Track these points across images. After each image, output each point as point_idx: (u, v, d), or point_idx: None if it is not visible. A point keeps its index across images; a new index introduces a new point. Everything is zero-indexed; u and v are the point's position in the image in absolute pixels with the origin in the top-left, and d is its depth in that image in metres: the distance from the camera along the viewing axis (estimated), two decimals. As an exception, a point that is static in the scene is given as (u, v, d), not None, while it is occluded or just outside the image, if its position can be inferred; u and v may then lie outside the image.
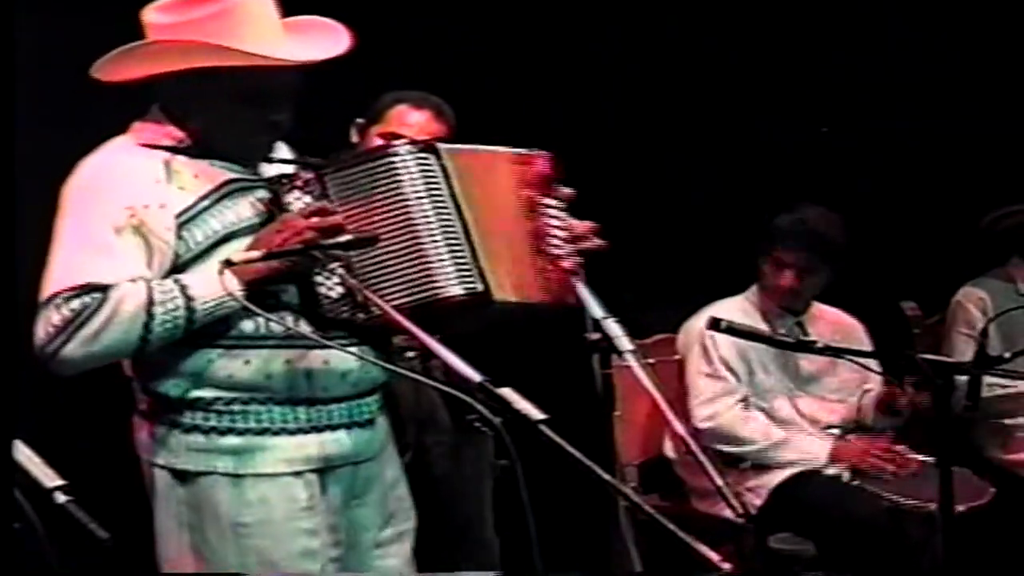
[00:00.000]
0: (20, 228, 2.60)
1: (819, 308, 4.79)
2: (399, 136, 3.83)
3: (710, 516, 4.52)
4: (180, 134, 2.99)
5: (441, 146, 3.02)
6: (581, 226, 3.13)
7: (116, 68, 2.97)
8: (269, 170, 3.04)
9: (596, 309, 3.16)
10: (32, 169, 2.82)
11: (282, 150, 3.13)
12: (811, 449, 4.63)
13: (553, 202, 3.10)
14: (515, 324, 3.17)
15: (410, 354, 3.43)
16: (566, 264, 3.07)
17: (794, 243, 4.63)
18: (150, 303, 2.86)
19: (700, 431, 4.55)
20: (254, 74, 2.90)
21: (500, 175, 3.08)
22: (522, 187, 3.08)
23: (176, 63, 2.93)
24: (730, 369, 4.65)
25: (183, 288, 2.88)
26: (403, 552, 3.16)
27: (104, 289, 2.85)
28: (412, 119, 3.91)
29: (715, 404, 4.63)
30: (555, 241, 3.07)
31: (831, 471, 4.60)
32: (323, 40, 2.99)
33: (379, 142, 3.78)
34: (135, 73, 2.97)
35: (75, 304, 2.85)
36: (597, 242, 3.12)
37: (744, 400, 4.66)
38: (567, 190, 3.13)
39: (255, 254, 2.86)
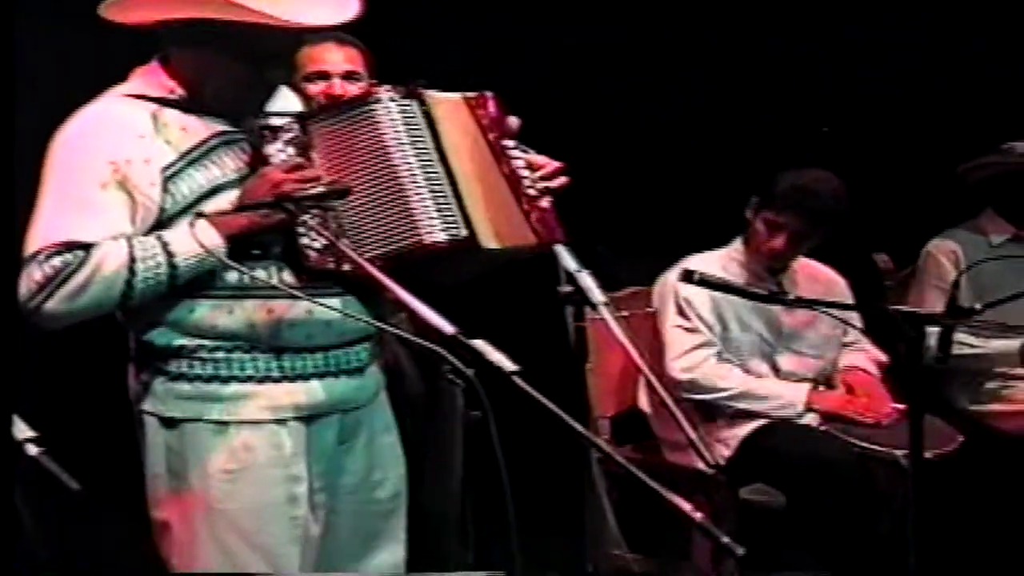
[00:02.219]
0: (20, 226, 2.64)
1: (801, 262, 4.76)
2: (327, 74, 3.85)
3: (682, 468, 4.53)
4: (172, 85, 2.98)
5: (425, 92, 3.01)
6: (543, 163, 3.12)
7: (125, 10, 2.96)
8: (257, 122, 3.03)
9: (569, 262, 3.17)
10: (31, 167, 2.88)
11: (286, 99, 3.12)
12: (789, 395, 4.65)
13: (511, 142, 3.10)
14: (501, 273, 3.16)
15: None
16: (544, 203, 3.07)
17: (792, 209, 4.55)
18: (132, 260, 2.87)
19: (677, 383, 4.56)
20: (260, 33, 2.89)
21: (466, 120, 3.07)
22: (487, 130, 3.07)
23: (187, 11, 2.92)
24: (704, 322, 4.66)
25: (164, 245, 2.89)
26: (388, 497, 3.18)
27: (86, 247, 2.86)
28: (327, 55, 3.92)
29: (692, 356, 4.63)
30: (527, 182, 3.07)
31: (801, 420, 4.62)
32: (331, 3, 2.98)
33: (309, 87, 3.80)
34: (143, 17, 2.96)
35: (56, 261, 2.85)
36: (562, 180, 3.12)
37: (719, 353, 4.67)
38: (513, 120, 3.11)
39: (227, 208, 2.88)
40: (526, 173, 3.07)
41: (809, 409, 4.63)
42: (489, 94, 3.10)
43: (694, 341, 4.64)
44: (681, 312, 4.65)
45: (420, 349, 2.53)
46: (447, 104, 3.05)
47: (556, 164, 3.12)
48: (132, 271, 2.87)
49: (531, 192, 3.06)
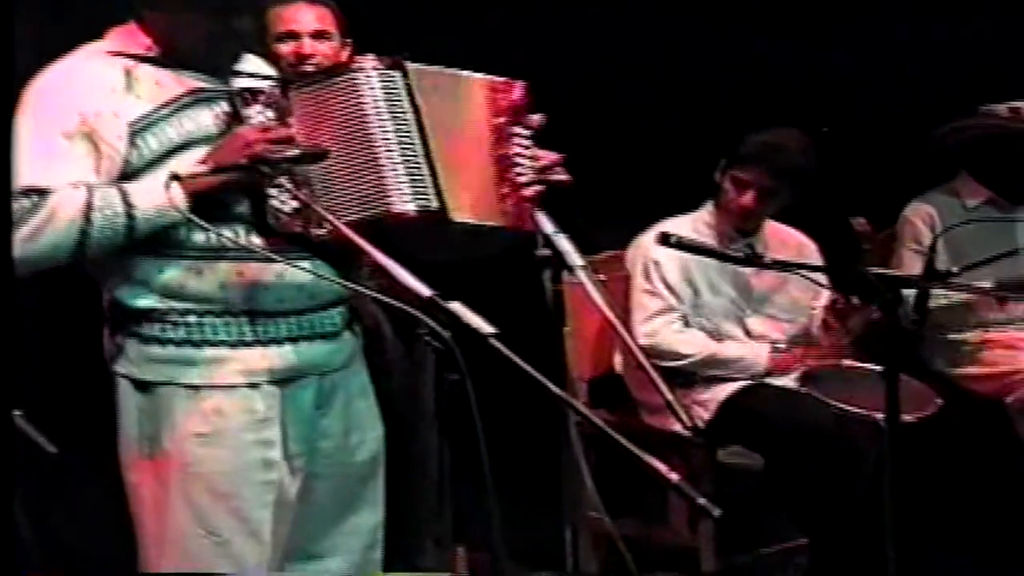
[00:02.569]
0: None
1: (772, 226, 4.79)
2: (296, 34, 3.84)
3: (659, 430, 4.55)
4: (148, 42, 2.99)
5: (409, 65, 3.01)
6: (548, 156, 3.14)
7: None
8: (241, 84, 3.03)
9: (547, 225, 3.17)
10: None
11: (255, 64, 3.12)
12: (750, 358, 4.66)
13: (523, 131, 3.12)
14: (477, 253, 3.16)
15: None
16: (528, 192, 3.08)
17: (759, 164, 4.59)
18: (88, 208, 2.86)
19: (642, 348, 4.57)
20: None
21: (472, 99, 3.09)
22: (494, 114, 3.09)
23: None
24: (670, 288, 4.67)
25: (124, 195, 2.89)
26: (366, 460, 3.18)
27: (43, 192, 2.86)
28: (297, 15, 3.91)
29: (653, 322, 4.64)
30: (520, 169, 3.08)
31: (779, 382, 4.63)
32: None
33: (280, 47, 3.79)
34: None
35: (13, 206, 2.84)
36: (562, 176, 3.14)
37: (684, 318, 4.68)
38: (537, 117, 3.14)
39: (202, 168, 2.88)
40: (525, 162, 3.09)
41: (769, 372, 4.65)
42: (519, 83, 3.14)
43: (656, 306, 4.65)
44: (647, 277, 4.67)
45: (396, 311, 2.54)
46: (445, 78, 3.06)
47: (556, 156, 3.14)
48: (88, 219, 2.86)
49: (520, 179, 3.07)
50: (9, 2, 2.56)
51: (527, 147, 3.11)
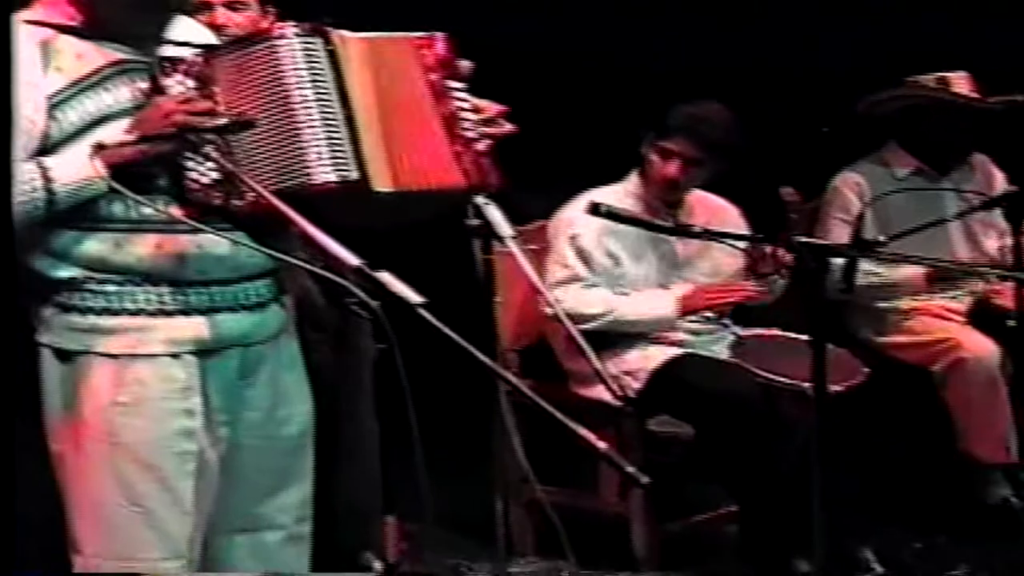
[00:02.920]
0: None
1: (695, 194, 4.80)
2: (209, 3, 3.80)
3: (590, 400, 4.56)
4: (72, 12, 2.95)
5: (332, 31, 2.98)
6: (491, 108, 3.11)
7: None
8: (163, 52, 2.99)
9: (477, 195, 3.16)
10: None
11: (185, 31, 3.08)
12: (659, 309, 4.66)
13: (458, 84, 3.07)
14: (409, 218, 3.15)
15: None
16: (480, 147, 3.05)
17: (684, 134, 4.60)
18: None
19: (546, 316, 4.57)
20: None
21: (402, 60, 3.05)
22: (427, 71, 3.05)
23: None
24: (584, 259, 4.67)
25: (44, 170, 2.86)
26: (294, 434, 3.17)
27: None
28: None
29: (558, 289, 4.64)
30: (467, 124, 3.05)
31: (707, 352, 4.65)
32: None
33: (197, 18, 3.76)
34: None
35: None
36: (507, 127, 3.11)
37: (591, 287, 4.68)
38: (466, 64, 3.10)
39: (127, 138, 2.85)
40: (469, 116, 3.06)
41: (679, 313, 4.65)
42: (439, 35, 3.09)
43: (562, 275, 4.66)
44: (561, 247, 4.67)
45: (324, 281, 2.53)
46: (369, 43, 3.03)
47: (499, 108, 3.11)
48: None
49: (469, 135, 3.05)
50: (9, 2, 2.56)
51: (465, 99, 3.08)
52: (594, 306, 4.64)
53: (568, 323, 3.37)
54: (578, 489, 4.79)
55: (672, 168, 4.64)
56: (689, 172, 4.65)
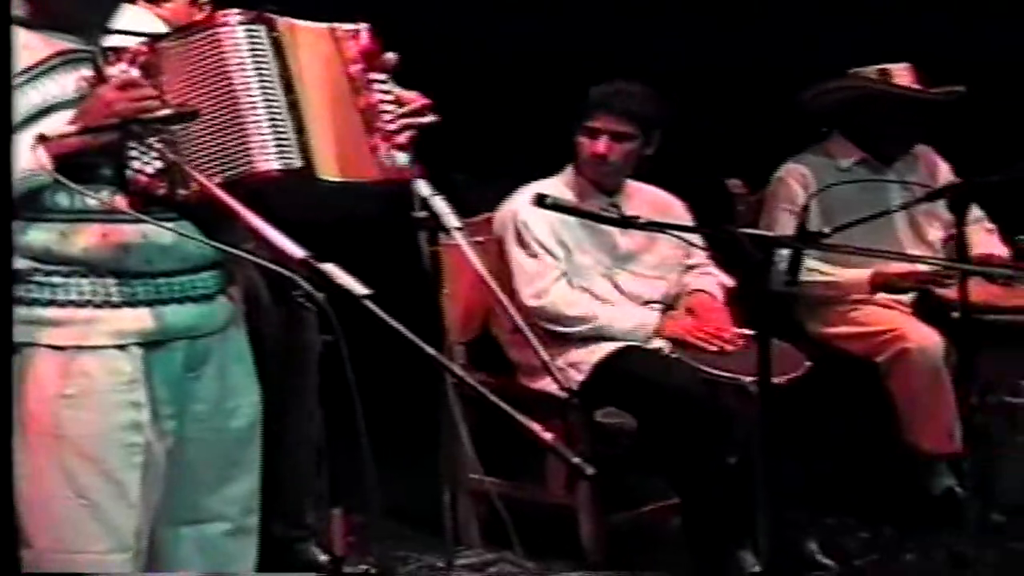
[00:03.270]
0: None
1: (633, 186, 4.83)
2: None
3: (537, 391, 4.57)
4: (17, 1, 2.93)
5: (277, 19, 2.96)
6: (412, 99, 3.10)
7: None
8: (109, 42, 2.98)
9: (423, 187, 3.16)
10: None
11: (135, 18, 3.06)
12: (638, 321, 4.69)
13: (381, 76, 3.06)
14: (358, 209, 3.14)
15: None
16: (400, 139, 3.04)
17: (605, 109, 4.66)
18: None
19: (529, 309, 4.59)
20: None
21: (326, 51, 3.03)
22: (349, 62, 3.03)
23: None
24: (545, 248, 4.69)
25: None
26: (241, 426, 3.16)
27: None
28: None
29: (540, 281, 4.66)
30: (387, 117, 3.04)
31: (651, 345, 4.67)
32: None
33: None
34: None
35: None
36: (429, 118, 3.10)
37: (565, 275, 4.70)
38: (391, 56, 3.08)
39: (70, 129, 2.83)
40: (389, 108, 3.05)
41: (658, 335, 4.68)
42: (364, 26, 3.06)
43: (539, 267, 4.67)
44: (522, 239, 4.69)
45: (270, 273, 2.52)
46: (306, 32, 3.01)
47: (423, 100, 3.10)
48: None
49: (389, 127, 3.04)
50: (8, 2, 2.55)
51: (388, 91, 3.06)
52: (577, 309, 4.67)
53: (515, 314, 3.37)
54: (525, 481, 4.80)
55: (600, 145, 4.68)
56: (616, 148, 4.68)
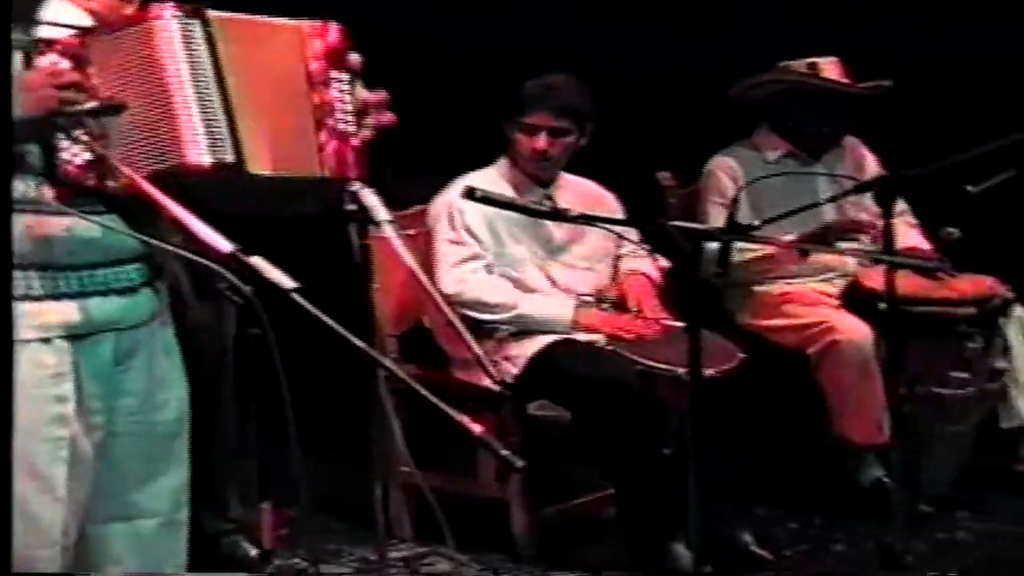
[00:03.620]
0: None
1: (567, 178, 4.85)
2: None
3: (470, 385, 4.58)
4: None
5: (211, 13, 2.95)
6: (372, 97, 3.09)
7: None
8: (39, 34, 2.95)
9: (353, 180, 3.15)
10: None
11: (65, 10, 3.04)
12: (555, 311, 4.70)
13: (344, 75, 3.06)
14: (292, 204, 3.13)
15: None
16: (353, 140, 3.04)
17: (542, 106, 4.68)
18: None
19: (448, 296, 4.58)
20: None
21: (283, 45, 3.02)
22: (311, 58, 3.03)
23: None
24: (475, 237, 4.69)
25: None
26: (170, 419, 3.15)
27: None
28: None
29: (460, 269, 4.66)
30: (341, 116, 3.04)
31: (586, 338, 4.68)
32: None
33: None
34: None
35: None
36: (388, 117, 3.09)
37: (489, 267, 4.70)
38: (356, 57, 3.08)
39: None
40: (346, 107, 3.05)
41: (575, 325, 4.69)
42: (334, 24, 3.06)
43: (462, 254, 4.68)
44: (452, 226, 4.69)
45: (197, 267, 2.51)
46: (248, 26, 3.00)
47: (380, 96, 3.10)
48: None
49: (341, 127, 3.04)
50: (8, 2, 2.52)
51: (348, 91, 3.06)
52: (497, 296, 4.67)
53: (449, 311, 3.37)
54: (458, 474, 4.80)
55: (540, 142, 4.69)
56: (555, 144, 4.70)
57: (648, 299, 4.76)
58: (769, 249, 4.99)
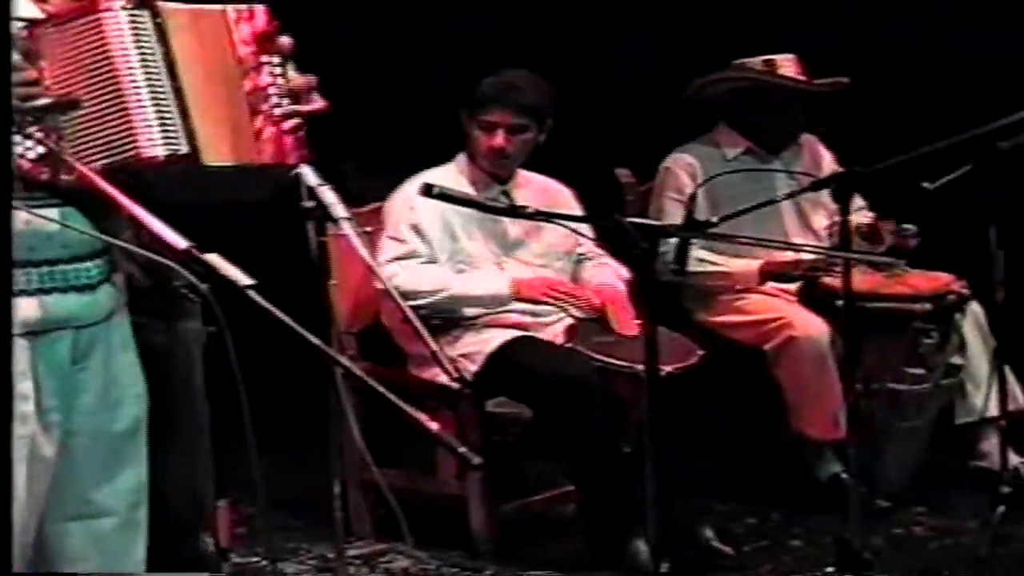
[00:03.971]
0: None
1: (524, 175, 4.84)
2: None
3: (428, 382, 4.57)
4: None
5: (160, 3, 2.93)
6: (300, 82, 3.06)
7: None
8: None
9: (311, 176, 3.15)
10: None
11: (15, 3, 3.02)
12: (493, 287, 4.70)
13: (274, 59, 3.02)
14: (245, 193, 3.11)
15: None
16: (287, 124, 3.01)
17: (501, 104, 4.67)
18: None
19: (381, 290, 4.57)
20: None
21: (216, 32, 2.99)
22: (239, 44, 2.99)
23: None
24: (421, 235, 4.68)
25: None
26: (127, 417, 3.13)
27: None
28: None
29: (394, 265, 4.64)
30: (274, 100, 3.03)
31: (545, 336, 4.68)
32: None
33: None
34: None
35: None
36: (318, 103, 3.07)
37: (426, 263, 4.69)
38: (286, 40, 3.05)
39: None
40: (279, 92, 3.03)
41: (517, 297, 4.68)
42: (260, 7, 3.03)
43: (397, 251, 4.66)
44: (398, 224, 4.68)
45: (152, 264, 2.50)
46: (190, 15, 2.98)
47: (308, 80, 3.08)
48: None
49: (276, 112, 3.02)
50: (8, 2, 2.52)
51: (280, 75, 3.02)
52: (428, 283, 4.65)
53: (403, 304, 3.36)
54: (416, 471, 4.80)
55: (498, 139, 4.69)
56: (513, 141, 4.70)
57: (625, 309, 4.72)
58: (728, 269, 5.01)
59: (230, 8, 3.02)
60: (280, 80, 3.02)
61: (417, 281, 4.63)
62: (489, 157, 4.72)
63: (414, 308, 4.54)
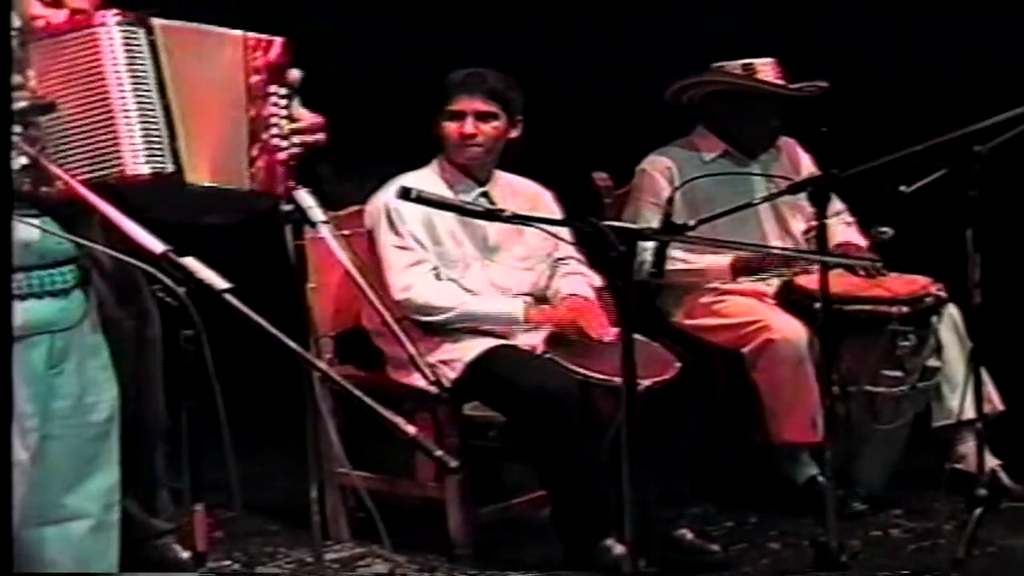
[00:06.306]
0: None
1: (504, 177, 4.84)
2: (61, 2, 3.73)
3: (407, 386, 4.56)
4: None
5: (155, 21, 2.95)
6: (306, 118, 3.10)
7: None
8: None
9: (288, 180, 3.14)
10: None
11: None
12: (507, 312, 4.70)
13: (282, 90, 3.07)
14: (224, 214, 3.12)
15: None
16: (282, 155, 3.05)
17: (466, 90, 4.69)
18: None
19: (398, 302, 4.58)
20: None
21: (225, 57, 3.03)
22: (250, 72, 3.04)
23: None
24: (417, 240, 4.69)
25: None
26: (100, 420, 3.13)
27: None
28: None
29: (407, 275, 4.65)
30: (275, 131, 3.04)
31: (525, 344, 4.68)
32: None
33: None
34: None
35: None
36: (318, 137, 3.10)
37: (436, 270, 4.70)
38: (296, 73, 3.09)
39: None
40: (280, 123, 3.05)
41: (527, 322, 4.70)
42: (278, 40, 3.07)
43: (408, 260, 4.67)
44: (395, 231, 4.68)
45: (130, 268, 2.50)
46: (192, 35, 3.00)
47: (316, 119, 3.10)
48: None
49: (273, 142, 3.04)
50: (8, 2, 2.51)
51: (284, 107, 3.06)
52: (446, 300, 4.66)
53: (381, 308, 3.36)
54: (394, 474, 4.80)
55: (467, 126, 4.70)
56: (482, 128, 4.70)
57: (595, 315, 4.72)
58: (699, 265, 5.02)
59: (251, 35, 3.04)
60: (284, 112, 3.05)
61: (433, 298, 4.64)
62: (458, 147, 4.71)
63: (424, 320, 4.58)
